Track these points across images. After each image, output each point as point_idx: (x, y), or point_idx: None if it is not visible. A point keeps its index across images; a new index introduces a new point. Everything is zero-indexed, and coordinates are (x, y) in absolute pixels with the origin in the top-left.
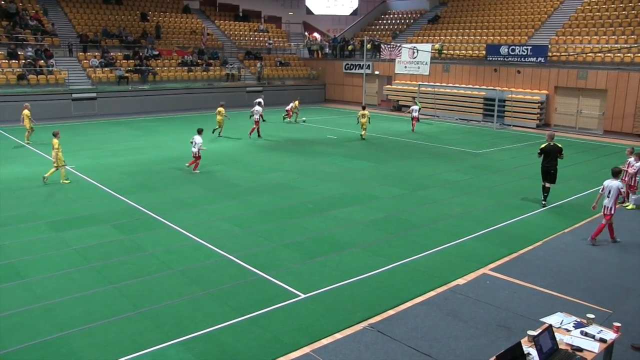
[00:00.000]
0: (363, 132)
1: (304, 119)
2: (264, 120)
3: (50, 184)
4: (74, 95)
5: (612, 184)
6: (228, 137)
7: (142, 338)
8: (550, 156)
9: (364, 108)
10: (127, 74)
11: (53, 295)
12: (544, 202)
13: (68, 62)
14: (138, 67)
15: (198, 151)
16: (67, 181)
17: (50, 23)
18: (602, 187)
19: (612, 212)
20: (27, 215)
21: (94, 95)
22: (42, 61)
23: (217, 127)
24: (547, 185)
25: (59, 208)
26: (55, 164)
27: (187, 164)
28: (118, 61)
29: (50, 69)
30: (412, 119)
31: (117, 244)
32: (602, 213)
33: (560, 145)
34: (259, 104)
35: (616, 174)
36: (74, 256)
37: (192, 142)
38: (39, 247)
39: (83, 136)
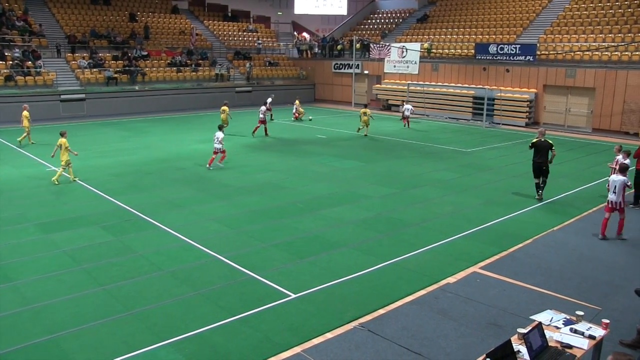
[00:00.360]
0: (361, 127)
1: (310, 117)
2: (272, 119)
3: (41, 186)
4: (62, 97)
5: (618, 179)
6: (233, 135)
7: (133, 339)
8: (541, 152)
9: (365, 106)
10: (116, 75)
11: (42, 297)
12: (538, 197)
13: (56, 63)
14: (127, 68)
15: (222, 146)
16: (57, 183)
17: (38, 24)
18: (607, 183)
19: (622, 206)
20: (15, 217)
21: (82, 96)
22: (30, 62)
23: (225, 126)
24: (543, 179)
25: (48, 210)
26: (69, 162)
27: (208, 165)
28: (107, 62)
29: (38, 70)
30: (404, 117)
31: (106, 246)
32: (609, 208)
33: (550, 142)
34: (265, 103)
35: (623, 170)
36: (64, 258)
37: (214, 140)
38: (27, 249)
39: (72, 137)
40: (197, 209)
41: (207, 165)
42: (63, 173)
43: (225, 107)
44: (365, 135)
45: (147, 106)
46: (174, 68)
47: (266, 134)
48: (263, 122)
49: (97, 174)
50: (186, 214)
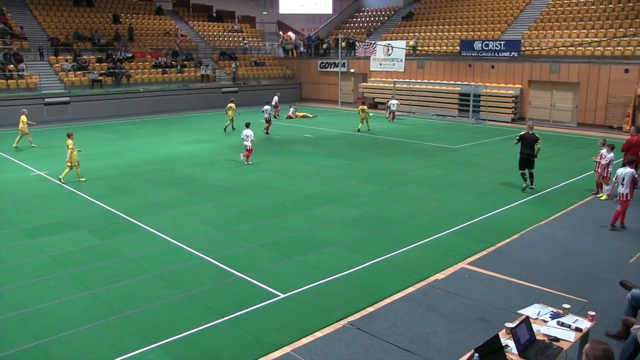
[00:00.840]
0: (360, 125)
1: (305, 115)
2: (275, 117)
3: (26, 191)
4: (46, 100)
5: (626, 171)
6: (223, 135)
7: (121, 343)
8: (528, 145)
9: (363, 103)
10: (100, 77)
11: (29, 303)
12: (525, 187)
13: (39, 66)
14: (111, 70)
15: (250, 144)
16: (83, 179)
17: (19, 26)
18: (615, 175)
19: (629, 197)
20: (0, 222)
21: (67, 99)
22: (12, 65)
23: (228, 123)
24: (529, 171)
25: (34, 214)
26: (69, 164)
27: (242, 155)
28: (91, 64)
29: (20, 73)
30: (391, 112)
31: (93, 249)
32: (617, 199)
33: (537, 135)
34: (268, 102)
35: (631, 162)
36: (50, 263)
37: (243, 137)
38: (13, 254)
39: (57, 141)
40: (184, 211)
41: (246, 162)
42: (74, 167)
43: (232, 105)
44: (369, 129)
45: (132, 108)
46: (159, 69)
47: (266, 132)
48: (269, 120)
49: (83, 177)
50: (174, 216)
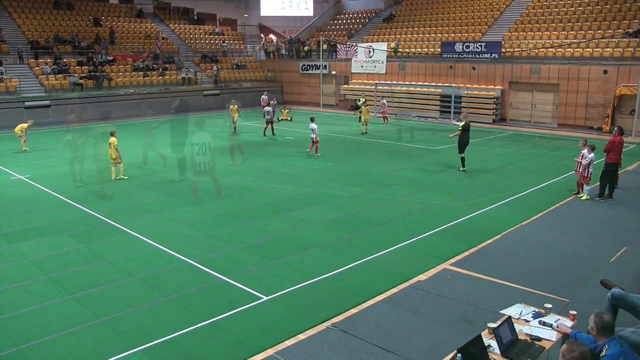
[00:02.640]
0: (363, 128)
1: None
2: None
3: (5, 195)
4: (26, 103)
5: None
6: (245, 132)
7: (103, 347)
8: (469, 131)
9: (365, 101)
10: (81, 81)
11: (8, 309)
12: (464, 169)
13: (19, 70)
14: (92, 73)
15: (316, 136)
16: (117, 178)
17: None
18: None
19: None
20: None
21: (47, 102)
22: None
23: (234, 125)
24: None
25: (14, 219)
26: (118, 161)
27: (308, 150)
28: (71, 67)
29: None
30: (382, 112)
31: (75, 254)
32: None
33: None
34: (268, 103)
35: None
36: (30, 267)
37: (311, 130)
38: None
39: (37, 144)
40: (166, 214)
41: (308, 150)
42: (115, 164)
43: (233, 107)
44: (366, 132)
45: (113, 112)
46: (141, 73)
47: (273, 133)
48: (271, 122)
49: (63, 181)
50: (155, 219)
